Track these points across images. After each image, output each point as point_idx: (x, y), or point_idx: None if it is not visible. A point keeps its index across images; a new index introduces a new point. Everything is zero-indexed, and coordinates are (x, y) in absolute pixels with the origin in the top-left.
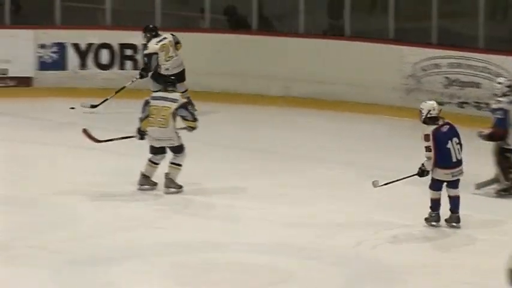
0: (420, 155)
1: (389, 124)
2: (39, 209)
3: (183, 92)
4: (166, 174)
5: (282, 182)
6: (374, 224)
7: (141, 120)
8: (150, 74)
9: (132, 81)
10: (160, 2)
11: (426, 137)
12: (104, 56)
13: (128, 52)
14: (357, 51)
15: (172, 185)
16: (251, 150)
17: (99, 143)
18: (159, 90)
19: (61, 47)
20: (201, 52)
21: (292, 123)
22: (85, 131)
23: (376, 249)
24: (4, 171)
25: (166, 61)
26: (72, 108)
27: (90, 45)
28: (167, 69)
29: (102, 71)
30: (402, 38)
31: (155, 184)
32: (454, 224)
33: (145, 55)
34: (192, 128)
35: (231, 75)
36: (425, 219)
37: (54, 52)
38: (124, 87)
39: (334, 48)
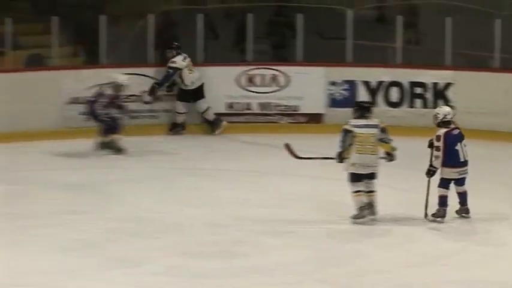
0: None
1: None
2: (324, 243)
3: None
4: (371, 204)
5: None
6: None
7: (343, 148)
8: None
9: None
10: (451, 42)
11: (438, 138)
12: (394, 94)
13: (418, 90)
14: None
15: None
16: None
17: (299, 159)
18: (356, 118)
19: (351, 84)
20: (490, 92)
21: None
22: (287, 146)
23: None
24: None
25: (189, 75)
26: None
27: (380, 83)
28: (193, 82)
29: (391, 109)
30: None
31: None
32: (464, 214)
33: (172, 68)
34: (391, 157)
35: None
36: (432, 214)
37: (344, 89)
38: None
39: None
